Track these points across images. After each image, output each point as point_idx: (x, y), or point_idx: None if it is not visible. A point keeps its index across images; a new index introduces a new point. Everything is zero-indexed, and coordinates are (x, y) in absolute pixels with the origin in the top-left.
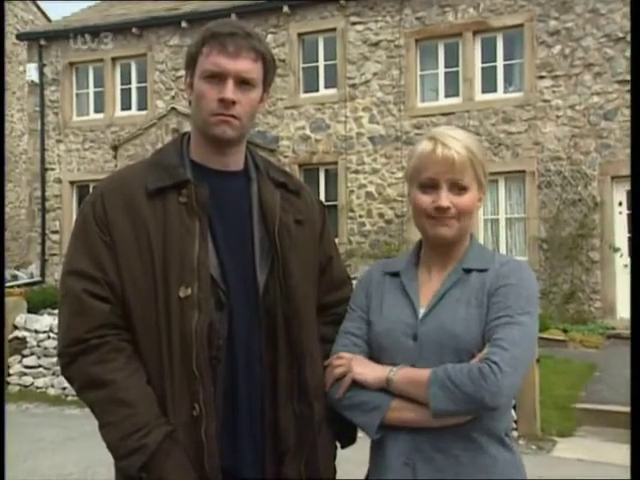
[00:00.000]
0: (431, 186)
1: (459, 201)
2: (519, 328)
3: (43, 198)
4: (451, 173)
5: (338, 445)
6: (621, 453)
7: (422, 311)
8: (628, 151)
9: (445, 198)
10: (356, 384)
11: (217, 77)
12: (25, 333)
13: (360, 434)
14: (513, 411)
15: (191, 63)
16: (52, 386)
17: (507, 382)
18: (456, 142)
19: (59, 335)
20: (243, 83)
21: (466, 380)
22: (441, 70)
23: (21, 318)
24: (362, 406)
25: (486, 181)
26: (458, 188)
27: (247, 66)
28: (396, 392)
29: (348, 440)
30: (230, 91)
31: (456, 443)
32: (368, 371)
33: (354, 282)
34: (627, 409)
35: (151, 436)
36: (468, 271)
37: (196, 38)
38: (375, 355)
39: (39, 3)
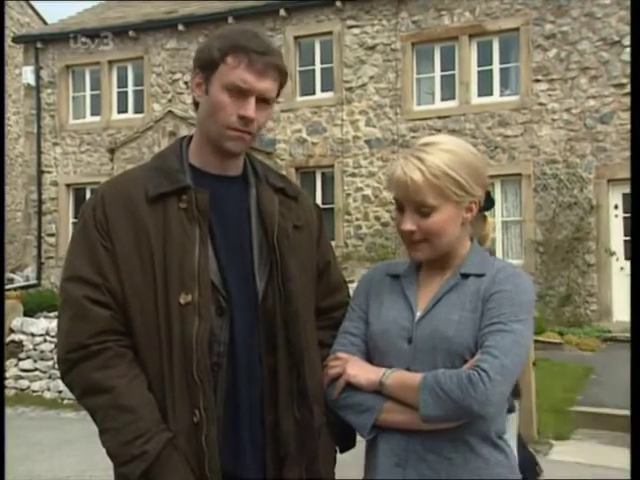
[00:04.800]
0: (400, 208)
1: (423, 223)
2: (511, 336)
3: (39, 201)
4: (410, 196)
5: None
6: (618, 456)
7: (419, 314)
8: (624, 154)
9: (408, 221)
10: (351, 385)
11: (240, 92)
12: (21, 336)
13: (359, 438)
14: None
15: (209, 67)
16: (48, 389)
17: (496, 391)
18: (417, 163)
19: (59, 341)
20: (263, 101)
21: (455, 387)
22: (437, 73)
23: (17, 321)
24: (356, 407)
25: (473, 189)
26: (422, 210)
27: (270, 85)
28: (389, 395)
29: (347, 445)
30: (252, 110)
31: (448, 445)
32: (362, 373)
33: (350, 286)
34: (624, 412)
35: (152, 443)
36: (466, 276)
37: (217, 42)
38: (371, 356)
39: (35, 6)
